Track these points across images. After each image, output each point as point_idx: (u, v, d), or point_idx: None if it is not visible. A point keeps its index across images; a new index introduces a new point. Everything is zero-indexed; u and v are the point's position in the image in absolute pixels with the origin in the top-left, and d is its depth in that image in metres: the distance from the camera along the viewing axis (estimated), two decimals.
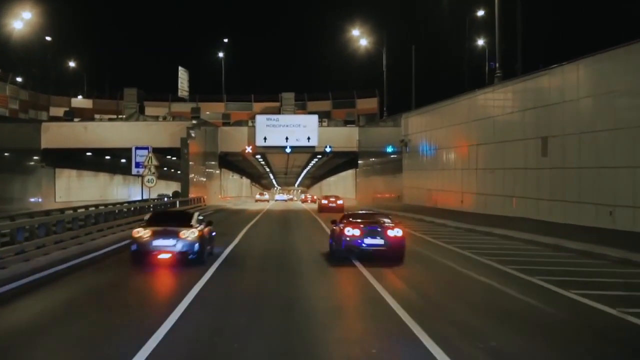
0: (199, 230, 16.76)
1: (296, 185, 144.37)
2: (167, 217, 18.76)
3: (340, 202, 49.30)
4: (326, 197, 52.55)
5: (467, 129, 33.95)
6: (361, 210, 26.15)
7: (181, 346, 8.98)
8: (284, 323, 10.46)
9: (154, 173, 31.60)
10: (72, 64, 70.13)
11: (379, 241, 18.00)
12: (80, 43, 72.41)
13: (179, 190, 48.59)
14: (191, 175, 48.06)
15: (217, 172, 62.58)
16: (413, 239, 26.73)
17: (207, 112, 73.36)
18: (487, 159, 31.07)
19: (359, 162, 62.69)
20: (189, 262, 16.38)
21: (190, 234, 16.36)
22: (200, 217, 18.12)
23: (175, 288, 14.38)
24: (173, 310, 10.80)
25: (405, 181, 45.53)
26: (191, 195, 48.58)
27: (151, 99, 69.25)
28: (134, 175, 34.98)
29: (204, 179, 55.35)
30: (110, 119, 58.96)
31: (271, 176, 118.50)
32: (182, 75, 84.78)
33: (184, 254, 16.28)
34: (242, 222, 33.58)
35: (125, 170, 79.00)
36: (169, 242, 16.24)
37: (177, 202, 43.82)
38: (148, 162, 31.43)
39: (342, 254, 18.36)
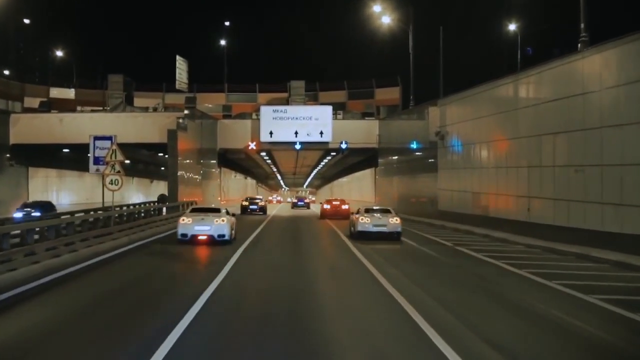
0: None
1: (304, 186, 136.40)
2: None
3: (345, 206, 41.72)
4: (329, 202, 45.04)
5: (535, 113, 25.73)
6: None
7: None
8: None
9: (118, 172, 23.53)
10: (59, 53, 62.35)
11: None
12: (65, 28, 64.68)
13: (166, 194, 40.47)
14: (180, 173, 39.96)
15: (216, 171, 54.54)
16: (476, 262, 18.79)
17: (209, 105, 65.27)
18: (572, 153, 22.86)
19: (379, 160, 54.52)
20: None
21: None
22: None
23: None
24: None
25: (442, 182, 37.35)
26: (182, 198, 40.56)
27: (143, 89, 61.35)
28: (93, 173, 26.56)
29: (199, 178, 47.30)
30: (92, 111, 51.03)
31: (279, 176, 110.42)
32: (181, 65, 76.77)
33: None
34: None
35: (128, 172, 71.52)
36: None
37: (164, 208, 35.79)
38: (111, 156, 23.38)
39: None
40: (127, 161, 56.35)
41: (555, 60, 24.66)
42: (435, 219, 36.75)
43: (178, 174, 39.14)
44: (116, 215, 26.68)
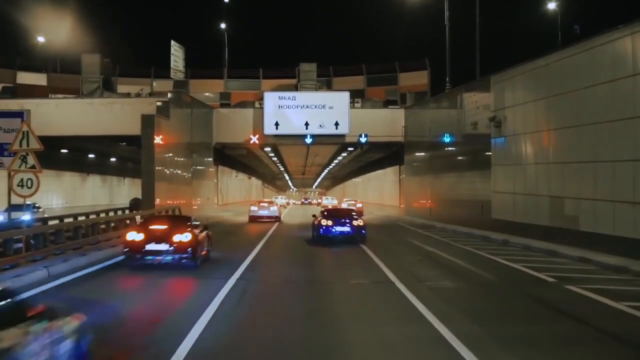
0: None
1: (314, 186, 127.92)
2: None
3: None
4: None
5: None
6: None
7: None
8: None
9: (32, 167, 15.01)
10: (34, 34, 53.97)
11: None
12: (42, 5, 56.26)
13: (139, 197, 31.87)
14: (159, 169, 31.39)
15: (211, 169, 46.02)
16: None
17: (209, 94, 56.46)
18: None
19: (405, 156, 45.87)
20: None
21: None
22: None
23: None
24: None
25: (497, 182, 28.69)
26: (165, 201, 32.06)
27: (129, 75, 52.95)
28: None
29: (187, 175, 38.80)
30: (65, 98, 42.67)
31: (286, 176, 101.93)
32: (176, 52, 67.93)
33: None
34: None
35: (104, 169, 63.24)
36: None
37: (137, 218, 27.22)
38: (20, 142, 14.86)
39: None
40: (64, 151, 48.61)
41: None
42: (489, 229, 28.19)
43: (156, 170, 30.57)
44: (51, 231, 18.12)
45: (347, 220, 24.75)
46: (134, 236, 16.14)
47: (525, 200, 25.76)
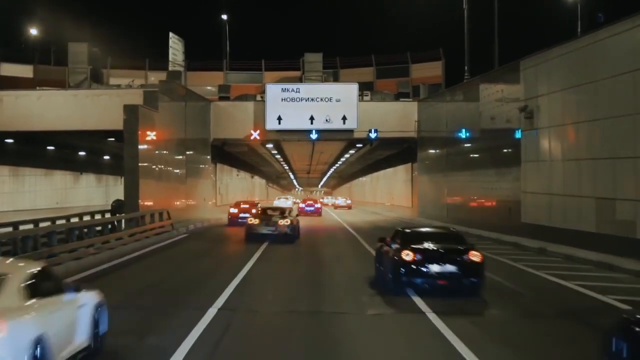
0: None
1: (319, 186, 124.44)
2: None
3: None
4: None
5: None
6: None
7: None
8: None
9: None
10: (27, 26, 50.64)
11: None
12: None
13: (122, 199, 28.31)
14: (145, 166, 27.87)
15: (208, 167, 42.58)
16: None
17: (210, 87, 52.77)
18: None
19: (418, 153, 42.36)
20: None
21: None
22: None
23: None
24: None
25: (528, 181, 25.18)
26: (157, 204, 28.61)
27: (123, 67, 49.49)
28: None
29: (180, 172, 35.40)
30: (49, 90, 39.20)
31: (291, 175, 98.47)
32: (175, 44, 64.41)
33: None
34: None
35: (99, 168, 59.90)
36: None
37: (122, 222, 23.83)
38: None
39: None
40: (51, 148, 45.06)
41: None
42: (517, 234, 24.77)
43: (142, 167, 27.05)
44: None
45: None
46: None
47: (564, 202, 22.24)
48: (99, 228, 21.83)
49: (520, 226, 25.38)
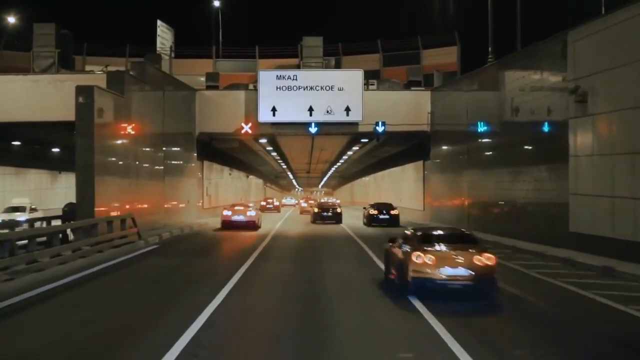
0: None
1: (320, 186, 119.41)
2: None
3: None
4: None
5: None
6: None
7: None
8: None
9: None
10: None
11: None
12: None
13: (75, 202, 23.17)
14: (106, 160, 22.81)
15: (193, 164, 37.56)
16: None
17: (201, 78, 47.60)
18: None
19: (432, 148, 37.37)
20: None
21: None
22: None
23: None
24: None
25: (580, 181, 20.15)
26: (102, 207, 23.39)
27: (101, 54, 44.45)
28: None
29: (157, 170, 30.40)
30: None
31: (290, 175, 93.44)
32: (164, 33, 59.28)
33: None
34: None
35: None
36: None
37: (69, 231, 18.88)
38: None
39: None
40: (17, 143, 40.20)
41: None
42: (566, 247, 19.81)
43: (99, 163, 21.99)
44: None
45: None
46: None
47: (635, 208, 17.23)
48: (42, 239, 17.01)
49: (568, 236, 20.38)
